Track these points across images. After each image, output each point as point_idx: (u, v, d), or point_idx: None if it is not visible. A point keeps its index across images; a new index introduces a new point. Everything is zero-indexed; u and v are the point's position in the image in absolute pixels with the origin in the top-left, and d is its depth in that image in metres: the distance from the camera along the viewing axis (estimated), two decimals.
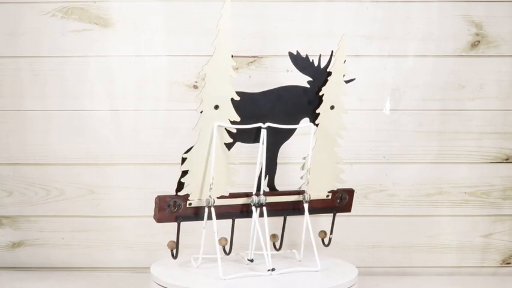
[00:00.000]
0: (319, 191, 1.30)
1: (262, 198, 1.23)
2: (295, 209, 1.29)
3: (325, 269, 1.25)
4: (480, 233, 1.57)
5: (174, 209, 1.18)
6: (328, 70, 1.27)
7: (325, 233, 1.33)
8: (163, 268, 1.23)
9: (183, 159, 1.18)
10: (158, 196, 1.18)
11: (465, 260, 1.57)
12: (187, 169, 1.18)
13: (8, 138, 1.55)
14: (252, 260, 1.26)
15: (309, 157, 1.27)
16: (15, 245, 1.57)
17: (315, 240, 1.27)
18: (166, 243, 1.22)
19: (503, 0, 1.53)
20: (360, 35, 1.53)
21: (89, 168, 1.55)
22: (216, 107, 1.18)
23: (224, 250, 1.26)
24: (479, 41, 1.54)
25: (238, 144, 1.25)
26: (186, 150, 1.19)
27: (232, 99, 1.19)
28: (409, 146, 1.55)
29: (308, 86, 1.27)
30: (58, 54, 1.53)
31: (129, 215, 1.56)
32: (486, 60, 1.54)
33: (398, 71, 1.54)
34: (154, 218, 1.19)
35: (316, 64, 1.27)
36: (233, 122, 1.19)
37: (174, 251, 1.22)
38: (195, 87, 1.54)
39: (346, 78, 1.28)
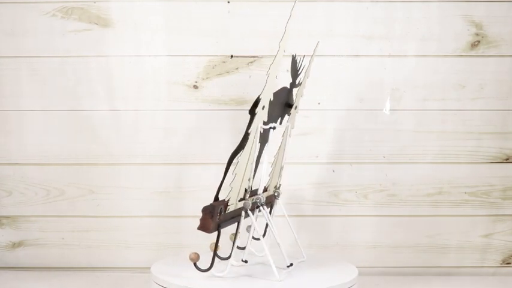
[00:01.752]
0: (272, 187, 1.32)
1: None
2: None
3: (325, 269, 1.25)
4: (480, 233, 1.57)
5: (219, 216, 1.11)
6: (300, 73, 1.29)
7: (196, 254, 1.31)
8: (165, 268, 1.23)
9: (232, 163, 1.12)
10: (212, 204, 1.10)
11: (465, 260, 1.57)
12: (236, 173, 1.13)
13: (8, 138, 1.55)
14: (246, 261, 1.26)
15: (283, 155, 1.29)
16: (15, 245, 1.57)
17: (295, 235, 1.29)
18: (188, 256, 1.12)
19: (503, 0, 1.53)
20: (360, 35, 1.53)
21: (89, 168, 1.55)
22: (263, 107, 1.16)
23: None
24: (479, 41, 1.54)
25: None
26: (232, 153, 1.13)
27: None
28: (409, 146, 1.55)
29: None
30: (58, 54, 1.53)
31: (129, 215, 1.56)
32: (486, 60, 1.54)
33: (398, 71, 1.54)
34: (204, 229, 1.10)
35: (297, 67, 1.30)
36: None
37: (198, 263, 1.12)
38: (195, 87, 1.54)
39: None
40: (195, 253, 1.10)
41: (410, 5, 1.53)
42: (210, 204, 1.10)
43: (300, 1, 1.53)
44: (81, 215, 1.56)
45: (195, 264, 1.12)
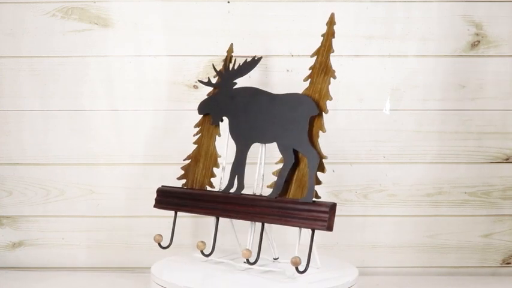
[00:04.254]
0: None
1: None
2: None
3: (325, 270, 1.25)
4: (480, 233, 1.57)
5: None
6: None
7: (160, 236, 1.31)
8: (165, 268, 1.23)
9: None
10: (334, 203, 1.14)
11: (465, 260, 1.57)
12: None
13: (8, 138, 1.55)
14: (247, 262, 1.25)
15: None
16: (15, 245, 1.57)
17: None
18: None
19: (503, 0, 1.53)
20: (360, 35, 1.53)
21: (89, 168, 1.55)
22: None
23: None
24: (479, 41, 1.53)
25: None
26: None
27: None
28: (409, 146, 1.55)
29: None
30: (58, 54, 1.53)
31: (129, 215, 1.56)
32: (486, 60, 1.54)
33: (398, 71, 1.54)
34: (330, 228, 1.13)
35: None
36: None
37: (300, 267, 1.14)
38: (195, 87, 1.54)
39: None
40: (298, 257, 1.12)
41: (410, 5, 1.53)
42: (333, 203, 1.14)
43: (300, 1, 1.54)
44: (81, 215, 1.56)
45: (296, 268, 1.13)
